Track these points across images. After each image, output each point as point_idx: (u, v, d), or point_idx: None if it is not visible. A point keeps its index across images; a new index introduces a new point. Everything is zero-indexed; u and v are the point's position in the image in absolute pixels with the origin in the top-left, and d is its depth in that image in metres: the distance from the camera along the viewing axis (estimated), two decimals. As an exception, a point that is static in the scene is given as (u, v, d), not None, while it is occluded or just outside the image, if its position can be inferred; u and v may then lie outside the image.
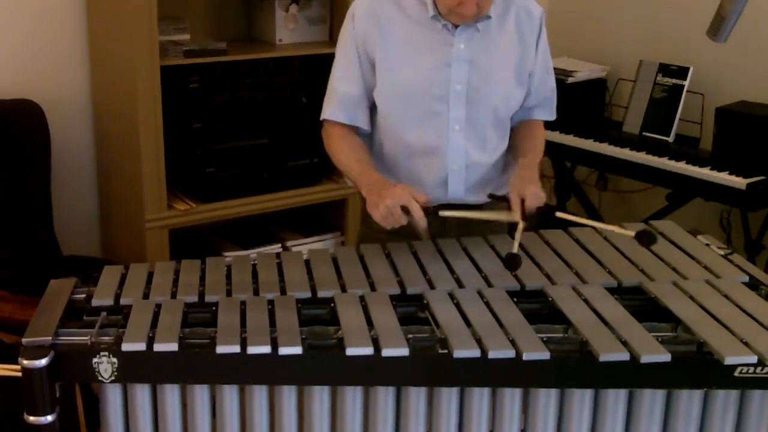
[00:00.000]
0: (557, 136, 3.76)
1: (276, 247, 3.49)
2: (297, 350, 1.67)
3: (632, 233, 1.98)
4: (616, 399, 1.73)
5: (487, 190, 2.24)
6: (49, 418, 1.69)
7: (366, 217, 2.32)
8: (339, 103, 2.18)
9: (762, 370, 1.67)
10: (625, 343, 1.69)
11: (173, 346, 1.67)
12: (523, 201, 1.99)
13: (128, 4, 2.96)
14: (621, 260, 2.07)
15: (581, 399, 1.73)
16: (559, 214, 2.09)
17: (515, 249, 1.94)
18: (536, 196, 2.00)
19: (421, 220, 1.96)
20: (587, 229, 2.23)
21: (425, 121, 2.16)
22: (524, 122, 2.30)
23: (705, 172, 3.32)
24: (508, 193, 2.04)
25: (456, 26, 2.11)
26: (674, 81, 3.64)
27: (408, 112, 2.16)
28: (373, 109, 2.22)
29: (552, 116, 2.33)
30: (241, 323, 1.75)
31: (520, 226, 1.99)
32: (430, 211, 2.01)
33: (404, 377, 1.70)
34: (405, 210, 1.96)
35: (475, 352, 1.67)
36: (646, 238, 1.96)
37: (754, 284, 1.98)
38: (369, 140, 2.25)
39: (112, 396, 1.72)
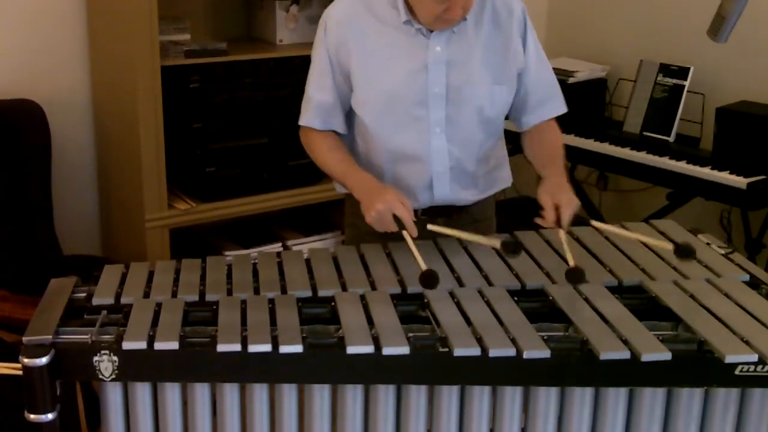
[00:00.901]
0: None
1: (276, 246, 3.48)
2: (298, 349, 1.67)
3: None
4: (616, 397, 1.73)
5: (474, 190, 2.24)
6: (50, 416, 1.70)
7: (352, 220, 2.32)
8: (314, 110, 2.19)
9: (762, 368, 1.67)
10: (625, 342, 1.69)
11: (174, 345, 1.68)
12: (558, 208, 1.97)
13: (128, 3, 2.95)
14: (622, 259, 2.07)
15: (582, 397, 1.73)
16: (594, 224, 2.08)
17: (571, 262, 1.91)
18: (570, 203, 1.99)
19: (411, 229, 1.95)
20: (587, 228, 2.23)
21: (406, 126, 2.14)
22: (537, 127, 2.26)
23: (705, 172, 3.32)
24: (540, 202, 2.00)
25: (431, 30, 2.10)
26: (675, 81, 3.63)
27: (388, 118, 2.15)
28: (351, 114, 2.21)
29: (562, 109, 2.28)
30: (242, 322, 1.75)
31: (562, 234, 1.97)
32: (420, 222, 2.00)
33: (405, 376, 1.70)
34: (396, 218, 1.96)
35: (476, 351, 1.67)
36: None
37: (754, 283, 1.98)
38: (351, 146, 2.25)
39: (113, 394, 1.73)
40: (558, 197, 1.99)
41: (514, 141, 2.39)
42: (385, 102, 2.13)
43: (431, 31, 2.10)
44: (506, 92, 2.19)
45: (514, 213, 2.44)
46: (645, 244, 2.11)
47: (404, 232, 1.95)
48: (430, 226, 2.04)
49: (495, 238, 2.01)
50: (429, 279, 1.84)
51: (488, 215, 2.36)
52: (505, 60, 2.17)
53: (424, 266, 1.87)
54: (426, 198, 2.20)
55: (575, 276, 1.91)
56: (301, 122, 2.23)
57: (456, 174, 2.20)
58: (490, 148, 2.26)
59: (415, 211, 2.09)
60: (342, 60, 2.14)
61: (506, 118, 2.28)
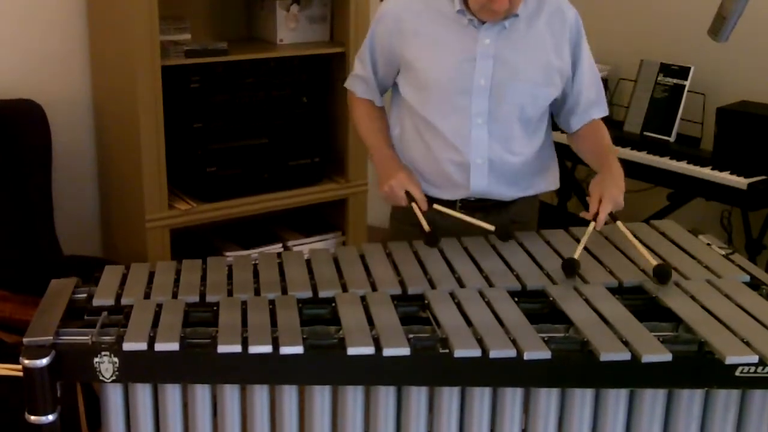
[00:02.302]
0: (558, 136, 3.71)
1: (277, 247, 3.48)
2: (298, 350, 1.67)
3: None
4: (617, 399, 1.73)
5: (515, 188, 2.26)
6: (50, 417, 1.70)
7: (394, 213, 2.41)
8: (356, 80, 2.38)
9: (763, 369, 1.67)
10: (626, 343, 1.69)
11: (174, 346, 1.68)
12: (600, 201, 2.04)
13: (129, 3, 2.95)
14: (622, 260, 2.07)
15: (582, 399, 1.73)
16: (620, 224, 2.10)
17: (577, 254, 1.97)
18: (612, 199, 2.05)
19: (421, 202, 2.14)
20: (588, 228, 2.23)
21: (448, 113, 2.19)
22: (586, 128, 2.31)
23: (706, 172, 3.32)
24: (589, 192, 2.09)
25: (482, 22, 2.14)
26: (675, 81, 3.63)
27: (431, 103, 2.20)
28: (397, 93, 2.32)
29: (605, 111, 2.35)
30: (242, 323, 1.75)
31: (590, 228, 2.03)
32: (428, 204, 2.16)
33: (405, 377, 1.70)
34: (409, 195, 2.14)
35: (476, 352, 1.67)
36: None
37: (755, 284, 1.98)
38: (395, 124, 2.34)
39: (113, 395, 1.73)
40: (606, 190, 2.06)
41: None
42: (429, 87, 2.19)
43: (482, 23, 2.14)
44: (550, 94, 2.23)
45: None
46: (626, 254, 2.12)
47: (413, 204, 2.14)
48: (435, 206, 2.18)
49: (489, 224, 2.15)
50: (570, 266, 1.94)
51: (529, 217, 2.38)
52: (552, 63, 2.20)
53: (427, 228, 2.09)
54: (464, 188, 2.23)
55: (569, 267, 1.94)
56: (346, 84, 2.42)
57: (494, 168, 2.22)
58: (536, 149, 2.28)
59: (453, 202, 2.26)
60: (394, 46, 2.24)
61: (554, 122, 2.35)
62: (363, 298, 1.86)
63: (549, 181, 2.36)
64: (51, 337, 1.69)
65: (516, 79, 2.17)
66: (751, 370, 1.67)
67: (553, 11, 2.20)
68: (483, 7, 2.09)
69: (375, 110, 2.37)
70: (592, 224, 2.04)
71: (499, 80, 2.16)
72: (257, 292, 1.90)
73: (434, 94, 2.19)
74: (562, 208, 4.18)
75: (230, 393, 1.72)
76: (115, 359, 1.67)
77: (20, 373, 1.68)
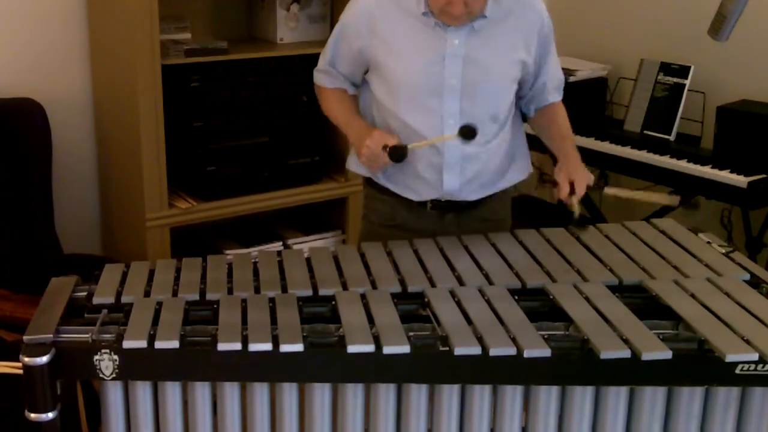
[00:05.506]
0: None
1: (277, 245, 3.49)
2: (298, 347, 1.67)
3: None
4: (617, 396, 1.73)
5: (485, 188, 2.25)
6: (51, 415, 1.70)
7: (366, 213, 2.36)
8: (322, 72, 2.35)
9: (763, 367, 1.67)
10: (626, 341, 1.69)
11: (174, 344, 1.68)
12: (572, 183, 2.20)
13: (129, 3, 2.95)
14: (622, 258, 2.07)
15: (582, 396, 1.73)
16: (608, 190, 2.33)
17: (576, 213, 2.23)
18: (584, 177, 2.23)
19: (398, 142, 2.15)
20: (589, 227, 2.24)
21: (420, 113, 2.18)
22: (546, 109, 2.35)
23: (706, 171, 3.32)
24: (557, 180, 2.23)
25: (447, 24, 2.13)
26: (675, 80, 3.63)
27: (402, 105, 2.19)
28: (368, 89, 2.30)
29: (561, 95, 2.39)
30: (243, 321, 1.75)
31: (574, 199, 2.23)
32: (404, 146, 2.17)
33: (405, 374, 1.70)
34: (385, 149, 2.14)
35: (476, 350, 1.67)
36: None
37: (755, 282, 1.98)
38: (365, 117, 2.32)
39: (113, 393, 1.73)
40: (573, 174, 2.22)
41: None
42: (399, 88, 2.18)
43: (448, 25, 2.13)
44: (515, 89, 2.25)
45: (514, 211, 2.43)
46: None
47: (409, 146, 2.15)
48: (410, 145, 2.17)
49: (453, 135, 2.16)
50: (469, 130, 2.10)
51: (502, 215, 2.37)
52: (522, 60, 2.20)
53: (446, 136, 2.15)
54: (435, 188, 2.23)
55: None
56: (314, 80, 2.40)
57: (466, 166, 2.21)
58: (507, 141, 2.28)
59: (424, 203, 2.26)
60: (364, 45, 2.21)
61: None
62: (363, 296, 1.86)
63: (519, 171, 2.36)
64: (51, 335, 1.69)
65: (487, 80, 2.17)
66: (751, 368, 1.68)
67: (524, 7, 2.20)
68: (442, 12, 2.09)
69: (343, 94, 2.34)
70: (574, 198, 2.21)
71: (469, 80, 2.15)
72: (257, 291, 1.90)
73: (405, 95, 2.18)
74: (562, 208, 4.18)
75: (230, 391, 1.72)
76: (115, 357, 1.67)
77: (20, 371, 1.68)
